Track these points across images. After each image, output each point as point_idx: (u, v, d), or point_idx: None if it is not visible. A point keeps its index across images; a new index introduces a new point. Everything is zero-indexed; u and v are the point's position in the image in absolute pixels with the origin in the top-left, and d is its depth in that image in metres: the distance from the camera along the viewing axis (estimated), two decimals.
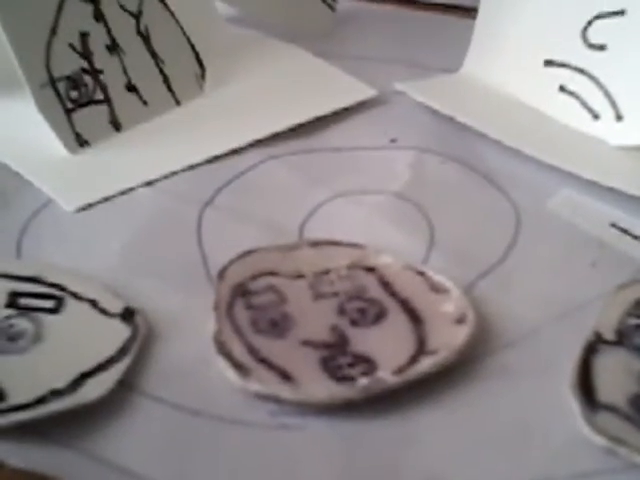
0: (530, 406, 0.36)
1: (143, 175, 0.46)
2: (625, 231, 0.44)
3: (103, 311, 0.38)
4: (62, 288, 0.39)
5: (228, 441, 0.35)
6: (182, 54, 0.52)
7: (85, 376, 0.35)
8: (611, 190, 0.45)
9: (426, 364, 0.36)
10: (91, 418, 0.35)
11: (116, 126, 0.49)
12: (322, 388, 0.35)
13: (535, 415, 0.36)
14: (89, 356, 0.36)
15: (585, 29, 0.49)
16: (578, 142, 0.48)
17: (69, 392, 0.35)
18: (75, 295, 0.39)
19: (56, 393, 0.35)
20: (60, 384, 0.35)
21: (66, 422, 0.34)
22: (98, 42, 0.49)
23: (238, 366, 0.36)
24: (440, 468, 0.34)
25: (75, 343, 0.37)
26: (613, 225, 0.44)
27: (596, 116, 0.49)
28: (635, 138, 0.47)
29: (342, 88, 0.52)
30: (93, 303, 0.39)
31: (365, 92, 0.52)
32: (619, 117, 0.48)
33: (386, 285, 0.40)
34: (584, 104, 0.49)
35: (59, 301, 0.39)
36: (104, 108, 0.49)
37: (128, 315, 0.38)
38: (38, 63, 0.46)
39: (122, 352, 0.37)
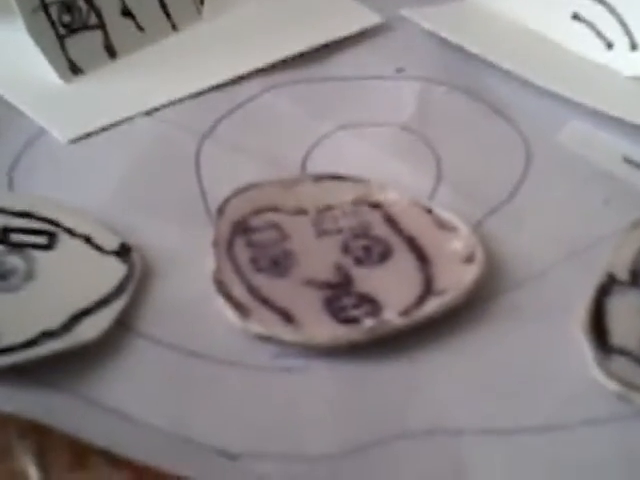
0: (540, 349, 0.35)
1: (139, 104, 0.45)
2: (638, 165, 0.43)
3: (98, 248, 0.37)
4: (55, 223, 0.38)
5: (227, 384, 0.34)
6: None
7: (79, 316, 0.34)
8: (624, 122, 0.43)
9: (433, 305, 0.35)
10: (85, 360, 0.34)
11: (111, 53, 0.48)
12: (325, 330, 0.34)
13: (545, 359, 0.35)
14: (83, 295, 0.35)
15: None
16: (590, 72, 0.47)
17: (62, 333, 0.34)
18: (69, 231, 0.38)
19: (49, 334, 0.34)
20: (53, 324, 0.34)
21: (59, 364, 0.34)
22: None
23: (238, 306, 0.35)
24: (446, 413, 0.33)
25: (69, 281, 0.36)
26: (626, 159, 0.43)
27: (609, 45, 0.47)
28: None
29: (346, 14, 0.50)
30: (88, 239, 0.38)
31: (370, 18, 0.50)
32: (634, 46, 0.47)
33: (392, 222, 0.39)
34: (597, 32, 0.47)
35: (52, 237, 0.38)
36: (98, 34, 0.47)
37: (124, 252, 0.37)
38: None
39: (118, 291, 0.36)
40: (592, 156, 0.43)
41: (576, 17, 0.48)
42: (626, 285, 0.36)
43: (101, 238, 0.37)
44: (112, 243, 0.37)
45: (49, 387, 0.33)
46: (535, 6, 0.49)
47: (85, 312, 0.35)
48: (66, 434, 0.32)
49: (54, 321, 0.34)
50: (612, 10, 0.47)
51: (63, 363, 0.34)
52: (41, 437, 0.32)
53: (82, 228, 0.38)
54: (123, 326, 0.35)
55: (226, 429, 0.32)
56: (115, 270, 0.36)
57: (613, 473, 0.32)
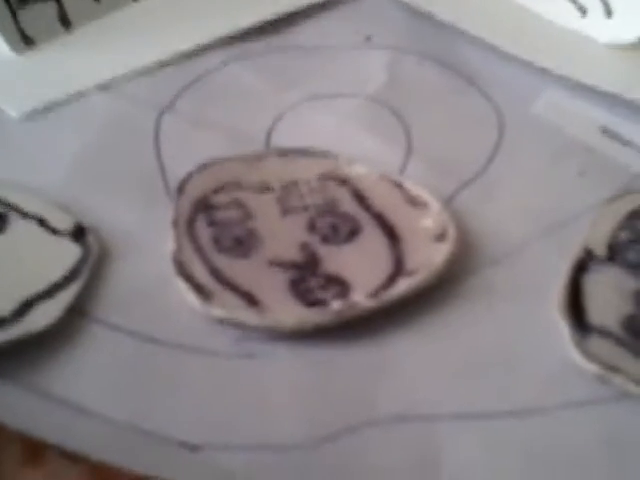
0: (516, 330, 0.34)
1: (95, 77, 0.44)
2: (615, 136, 0.42)
3: (51, 229, 0.36)
4: (6, 204, 0.37)
5: (189, 371, 0.33)
6: None
7: (31, 302, 0.33)
8: (600, 92, 0.42)
9: (404, 286, 0.34)
10: (38, 349, 0.33)
11: (65, 24, 0.46)
12: (291, 313, 0.33)
13: (521, 340, 0.34)
14: (36, 280, 0.34)
15: None
16: (565, 40, 0.46)
17: (14, 320, 0.33)
18: (20, 212, 0.36)
19: None
20: (3, 312, 0.33)
21: (9, 354, 0.32)
22: None
23: (199, 289, 0.34)
24: (418, 398, 0.32)
25: (20, 265, 0.35)
26: (602, 130, 0.42)
27: (584, 11, 0.46)
28: (626, 35, 0.45)
29: None
30: (40, 220, 0.36)
31: None
32: (609, 13, 0.46)
33: (360, 198, 0.37)
34: None
35: (2, 218, 0.36)
36: (52, 4, 0.46)
37: (79, 233, 0.36)
38: None
39: (72, 275, 0.34)
40: (568, 127, 0.42)
41: None
42: (604, 261, 0.35)
43: (54, 219, 0.36)
44: (66, 224, 0.36)
45: None
46: None
47: (37, 298, 0.33)
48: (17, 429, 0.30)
49: (4, 308, 0.33)
50: None
51: (14, 352, 0.32)
52: None
53: (34, 208, 0.36)
54: (78, 312, 0.34)
55: (187, 420, 0.31)
56: (69, 252, 0.35)
57: (593, 457, 0.31)
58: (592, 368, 0.32)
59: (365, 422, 0.31)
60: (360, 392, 0.32)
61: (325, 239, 0.36)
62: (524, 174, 0.40)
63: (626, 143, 0.41)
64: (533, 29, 0.46)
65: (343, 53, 0.46)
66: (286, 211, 0.37)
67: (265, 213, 0.37)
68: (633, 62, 0.44)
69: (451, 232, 0.36)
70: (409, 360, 0.33)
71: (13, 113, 0.42)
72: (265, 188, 0.38)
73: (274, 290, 0.34)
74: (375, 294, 0.34)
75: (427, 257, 0.35)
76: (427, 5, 0.47)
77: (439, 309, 0.34)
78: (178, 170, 0.38)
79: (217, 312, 0.33)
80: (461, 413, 0.32)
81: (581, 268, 0.35)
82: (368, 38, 0.46)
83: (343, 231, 0.36)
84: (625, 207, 0.37)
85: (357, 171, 0.38)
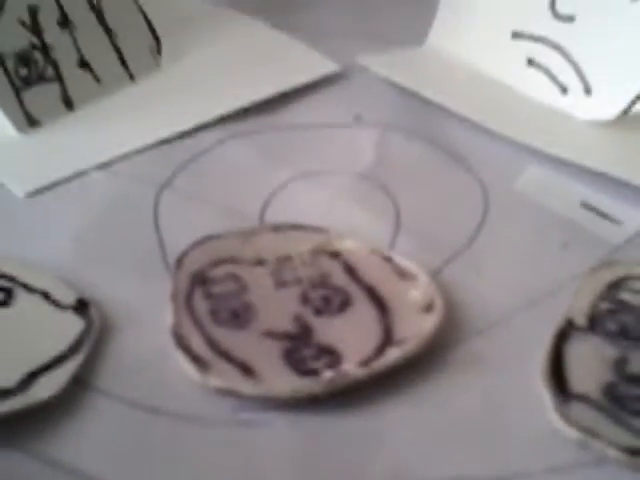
0: (501, 397, 0.35)
1: (97, 156, 0.45)
2: (596, 210, 0.43)
3: (55, 303, 0.37)
4: (11, 279, 0.38)
5: (188, 439, 0.33)
6: (136, 27, 0.50)
7: (36, 374, 0.34)
8: (581, 167, 0.44)
9: (393, 355, 0.35)
10: (42, 418, 0.33)
11: (68, 104, 0.47)
12: (285, 382, 0.34)
13: (506, 406, 0.34)
14: (40, 352, 0.35)
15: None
16: (546, 118, 0.47)
17: (19, 391, 0.33)
18: (25, 286, 0.37)
19: (5, 393, 0.33)
20: (9, 383, 0.33)
21: (15, 423, 0.33)
22: (48, 17, 0.47)
23: (197, 360, 0.35)
24: (408, 464, 0.33)
25: (25, 338, 0.36)
26: (583, 204, 0.43)
27: (564, 90, 0.48)
28: (604, 112, 0.46)
29: (303, 62, 0.51)
30: (45, 295, 0.37)
31: (327, 66, 0.50)
32: (588, 91, 0.47)
33: (351, 271, 0.38)
34: (552, 77, 0.48)
35: (8, 293, 0.37)
36: (55, 86, 0.47)
37: (82, 307, 0.37)
38: None
39: (75, 347, 0.35)
40: (550, 202, 0.43)
41: (531, 62, 0.48)
42: (584, 331, 0.36)
43: (58, 293, 0.37)
44: (69, 298, 0.37)
45: (4, 447, 0.32)
46: (491, 52, 0.50)
47: (42, 370, 0.34)
48: None
49: (10, 379, 0.33)
50: (566, 55, 0.47)
51: (19, 422, 0.33)
52: None
53: (39, 283, 0.37)
54: (81, 383, 0.35)
55: None
56: (72, 326, 0.36)
57: None
58: (573, 433, 0.33)
59: None
60: (352, 459, 0.33)
61: (318, 311, 0.37)
62: (508, 248, 0.41)
63: (606, 216, 0.42)
64: (516, 107, 0.47)
65: (334, 131, 0.47)
66: (280, 284, 0.38)
67: (260, 286, 0.38)
68: (612, 138, 0.46)
69: (438, 303, 0.37)
70: (400, 427, 0.34)
71: (18, 191, 0.43)
72: (259, 262, 0.39)
73: (269, 360, 0.35)
74: (366, 363, 0.34)
75: (416, 327, 0.36)
76: (414, 85, 0.48)
77: (427, 378, 0.35)
78: (176, 245, 0.39)
79: (214, 382, 0.34)
80: (450, 477, 0.32)
81: (563, 337, 0.36)
82: (358, 117, 0.48)
83: (335, 303, 0.37)
84: (605, 278, 0.38)
85: (348, 245, 0.39)
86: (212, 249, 0.39)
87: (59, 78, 0.47)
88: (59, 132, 0.46)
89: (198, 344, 0.35)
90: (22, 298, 0.37)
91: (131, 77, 0.49)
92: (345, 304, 0.37)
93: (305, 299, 0.37)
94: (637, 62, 0.46)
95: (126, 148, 0.45)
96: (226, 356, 0.35)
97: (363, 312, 0.37)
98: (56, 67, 0.47)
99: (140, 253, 0.40)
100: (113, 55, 0.49)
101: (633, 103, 0.45)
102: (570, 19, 0.47)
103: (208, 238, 0.40)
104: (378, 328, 0.36)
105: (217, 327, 0.36)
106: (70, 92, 0.47)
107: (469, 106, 0.47)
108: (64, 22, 0.47)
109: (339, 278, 0.38)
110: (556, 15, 0.48)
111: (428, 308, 0.37)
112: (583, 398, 0.34)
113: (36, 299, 0.37)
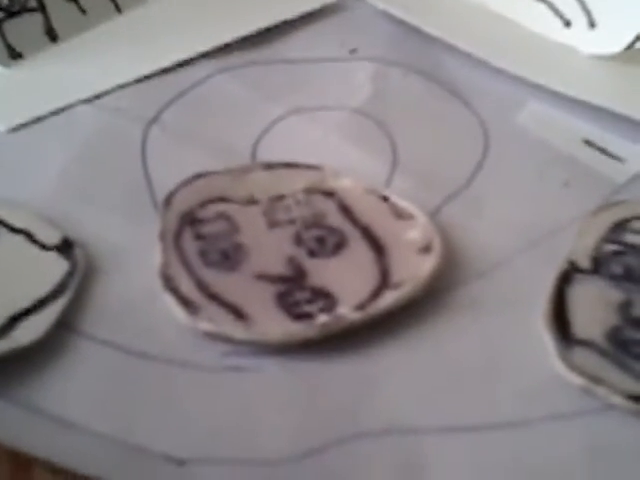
0: (501, 342, 0.34)
1: (82, 90, 0.43)
2: (599, 148, 0.42)
3: (39, 243, 0.36)
4: None
5: (175, 385, 0.33)
6: None
7: (18, 318, 0.33)
8: (584, 103, 0.42)
9: (389, 298, 0.34)
10: (25, 364, 0.32)
11: (52, 37, 0.46)
12: (278, 326, 0.33)
13: (506, 352, 0.34)
14: (23, 295, 0.34)
15: None
16: (549, 52, 0.46)
17: (1, 336, 0.32)
18: (7, 226, 0.36)
19: None
20: None
21: None
22: None
23: (186, 303, 0.34)
24: (404, 410, 0.32)
25: (7, 280, 0.35)
26: (586, 141, 0.42)
27: (568, 23, 0.46)
28: (609, 46, 0.45)
29: None
30: (28, 234, 0.36)
31: None
32: (592, 24, 0.46)
33: (346, 211, 0.37)
34: (555, 10, 0.46)
35: None
36: (39, 17, 0.46)
37: (66, 247, 0.36)
38: None
39: (60, 289, 0.34)
40: (552, 139, 0.42)
41: None
42: (588, 273, 0.35)
43: (42, 233, 0.36)
44: (53, 238, 0.36)
45: None
46: None
47: (24, 313, 0.33)
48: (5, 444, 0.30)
49: None
50: None
51: (0, 368, 0.32)
52: None
53: (22, 223, 0.36)
54: (65, 326, 0.34)
55: (174, 434, 0.31)
56: (56, 267, 0.35)
57: (578, 468, 0.31)
58: (576, 380, 0.32)
59: (351, 435, 0.31)
60: (346, 405, 0.32)
61: (312, 252, 0.36)
62: (509, 186, 0.40)
63: (610, 154, 0.41)
64: (518, 41, 0.46)
65: (328, 66, 0.46)
66: (272, 224, 0.37)
67: (251, 226, 0.37)
68: (616, 73, 0.45)
69: (437, 244, 0.36)
70: (395, 373, 0.33)
71: (0, 127, 0.42)
72: (251, 201, 0.38)
73: (261, 304, 0.34)
74: (361, 307, 0.34)
75: (413, 269, 0.35)
76: (413, 18, 0.47)
77: (425, 322, 0.34)
78: (165, 183, 0.38)
79: (204, 326, 0.33)
80: (447, 426, 0.32)
81: (566, 280, 0.35)
82: (353, 50, 0.46)
83: (329, 244, 0.36)
84: (609, 219, 0.37)
85: (343, 184, 0.38)
86: (202, 188, 0.38)
87: (42, 9, 0.45)
88: (43, 65, 0.45)
89: (187, 286, 0.34)
90: (4, 238, 0.36)
91: (118, 9, 0.48)
92: (340, 245, 0.36)
93: (299, 240, 0.36)
94: None
95: (112, 82, 0.44)
96: (216, 299, 0.34)
97: (359, 253, 0.36)
98: None
99: (127, 191, 0.39)
100: None
101: (638, 38, 0.44)
102: None
103: (197, 176, 0.38)
104: (374, 270, 0.35)
105: (207, 269, 0.35)
106: (54, 24, 0.46)
107: (470, 40, 0.46)
108: None
109: (334, 218, 0.37)
110: None
111: (426, 249, 0.36)
112: (587, 343, 0.33)
113: (19, 239, 0.36)
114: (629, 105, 0.42)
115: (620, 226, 0.37)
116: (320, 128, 0.42)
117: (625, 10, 0.44)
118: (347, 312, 0.33)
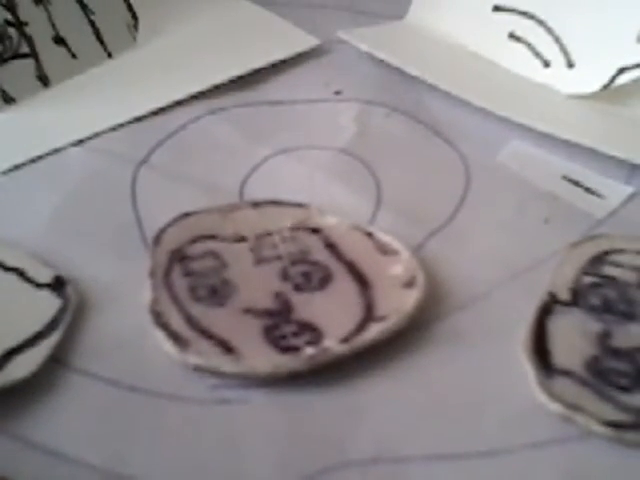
0: (483, 372, 0.35)
1: (73, 133, 0.44)
2: (578, 184, 0.42)
3: (31, 281, 0.36)
4: None
5: (167, 418, 0.33)
6: (113, 3, 0.49)
7: (12, 353, 0.33)
8: (563, 141, 0.43)
9: (374, 331, 0.35)
10: (19, 398, 0.33)
11: (44, 81, 0.47)
12: (265, 359, 0.34)
13: (489, 382, 0.34)
14: (16, 331, 0.34)
15: None
16: (528, 91, 0.47)
17: None
18: (0, 264, 0.37)
19: None
20: None
21: None
22: None
23: (176, 338, 0.34)
24: (390, 439, 0.33)
25: (1, 317, 0.35)
26: (565, 178, 0.43)
27: (547, 63, 0.47)
28: (587, 86, 0.46)
29: (282, 37, 0.50)
30: (20, 273, 0.37)
31: (307, 41, 0.50)
32: (570, 64, 0.47)
33: (332, 247, 0.38)
34: (534, 51, 0.47)
35: None
36: (30, 62, 0.46)
37: (58, 285, 0.36)
38: None
39: (52, 325, 0.35)
40: (532, 176, 0.43)
41: (513, 36, 0.48)
42: (567, 305, 0.36)
43: (34, 271, 0.37)
44: (45, 276, 0.36)
45: None
46: (472, 26, 0.49)
47: (18, 348, 0.34)
48: None
49: None
50: (548, 29, 0.47)
51: None
52: None
53: (14, 261, 0.37)
54: (58, 362, 0.34)
55: (164, 466, 0.32)
56: (49, 304, 0.35)
57: None
58: (556, 408, 0.33)
59: (339, 465, 0.32)
60: (333, 435, 0.33)
61: (298, 287, 0.36)
62: (491, 221, 0.40)
63: (588, 190, 0.42)
64: (498, 81, 0.47)
65: (314, 106, 0.47)
66: (260, 260, 0.37)
67: (239, 263, 0.37)
68: (594, 112, 0.45)
69: (420, 278, 0.36)
70: (381, 403, 0.33)
71: None
72: (239, 238, 0.38)
73: (249, 337, 0.34)
74: (346, 340, 0.34)
75: (397, 303, 0.35)
76: (395, 59, 0.48)
77: (409, 353, 0.35)
78: (154, 222, 0.39)
79: (193, 360, 0.34)
80: (432, 454, 0.32)
81: (546, 311, 0.36)
82: (338, 92, 0.47)
83: (315, 279, 0.37)
84: (588, 252, 0.38)
85: (329, 221, 0.39)
86: (191, 226, 0.39)
87: (34, 54, 0.46)
88: (35, 109, 0.46)
89: (177, 321, 0.35)
90: None
91: (108, 54, 0.49)
92: (326, 280, 0.37)
93: (285, 275, 0.37)
94: (619, 36, 0.45)
95: (103, 125, 0.45)
96: (205, 333, 0.35)
97: (344, 288, 0.36)
98: (31, 43, 0.46)
99: (117, 230, 0.40)
100: (89, 31, 0.48)
101: (615, 77, 0.45)
102: None
103: (186, 215, 0.39)
104: (359, 304, 0.36)
105: (196, 304, 0.36)
106: (45, 68, 0.47)
107: (450, 80, 0.47)
108: None
109: (320, 253, 0.38)
110: None
111: (409, 283, 0.36)
112: (567, 373, 0.34)
113: (12, 277, 0.36)
114: (607, 143, 0.43)
115: (599, 259, 0.38)
116: (306, 167, 0.43)
117: (602, 51, 0.46)
118: (333, 345, 0.34)
